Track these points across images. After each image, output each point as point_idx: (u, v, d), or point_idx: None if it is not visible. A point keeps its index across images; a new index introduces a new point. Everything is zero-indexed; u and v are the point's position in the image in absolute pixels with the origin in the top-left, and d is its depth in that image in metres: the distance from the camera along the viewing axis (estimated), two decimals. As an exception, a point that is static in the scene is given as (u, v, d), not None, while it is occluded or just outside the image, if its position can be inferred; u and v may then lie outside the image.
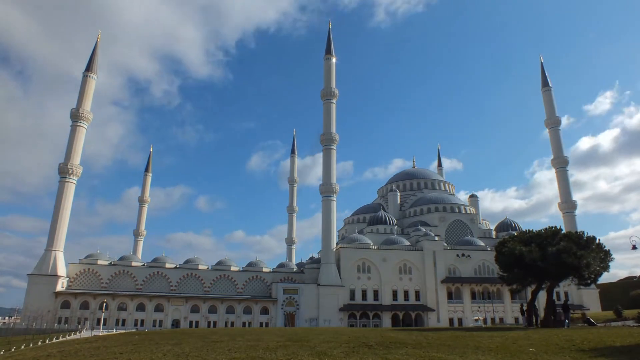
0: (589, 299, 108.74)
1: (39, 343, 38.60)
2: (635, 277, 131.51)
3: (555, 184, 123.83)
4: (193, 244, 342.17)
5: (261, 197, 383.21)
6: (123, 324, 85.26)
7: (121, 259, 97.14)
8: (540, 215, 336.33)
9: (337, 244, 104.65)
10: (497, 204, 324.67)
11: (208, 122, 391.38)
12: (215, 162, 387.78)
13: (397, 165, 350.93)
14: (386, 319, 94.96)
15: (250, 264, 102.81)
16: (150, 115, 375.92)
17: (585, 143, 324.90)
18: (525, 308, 45.24)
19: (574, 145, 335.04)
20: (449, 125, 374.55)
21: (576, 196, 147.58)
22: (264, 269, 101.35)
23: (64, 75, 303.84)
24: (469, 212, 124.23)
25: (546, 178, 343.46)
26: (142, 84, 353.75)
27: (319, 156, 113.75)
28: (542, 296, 50.98)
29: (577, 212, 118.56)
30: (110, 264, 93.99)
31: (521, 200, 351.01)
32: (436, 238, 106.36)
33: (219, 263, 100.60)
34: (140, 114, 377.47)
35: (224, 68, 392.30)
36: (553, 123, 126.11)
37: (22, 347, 35.04)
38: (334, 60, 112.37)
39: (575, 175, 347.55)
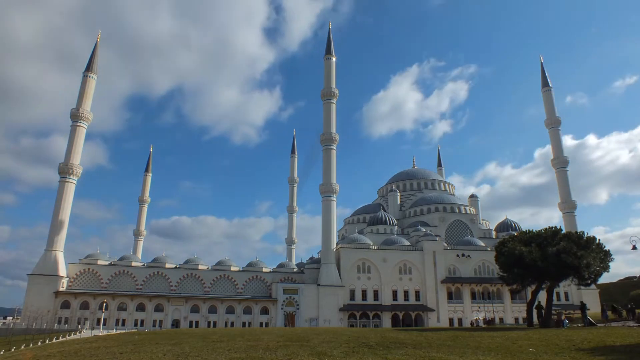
0: (589, 299, 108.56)
1: (39, 343, 38.59)
2: (635, 277, 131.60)
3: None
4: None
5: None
6: (123, 324, 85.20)
7: (121, 259, 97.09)
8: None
9: (337, 244, 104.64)
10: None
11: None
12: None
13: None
14: (386, 319, 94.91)
15: (250, 264, 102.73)
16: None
17: None
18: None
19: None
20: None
21: None
22: (264, 269, 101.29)
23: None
24: (469, 212, 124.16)
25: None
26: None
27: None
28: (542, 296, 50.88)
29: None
30: (110, 264, 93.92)
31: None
32: (436, 238, 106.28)
33: (219, 263, 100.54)
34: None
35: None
36: (553, 123, 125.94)
37: (22, 347, 35.04)
38: (334, 60, 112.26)
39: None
